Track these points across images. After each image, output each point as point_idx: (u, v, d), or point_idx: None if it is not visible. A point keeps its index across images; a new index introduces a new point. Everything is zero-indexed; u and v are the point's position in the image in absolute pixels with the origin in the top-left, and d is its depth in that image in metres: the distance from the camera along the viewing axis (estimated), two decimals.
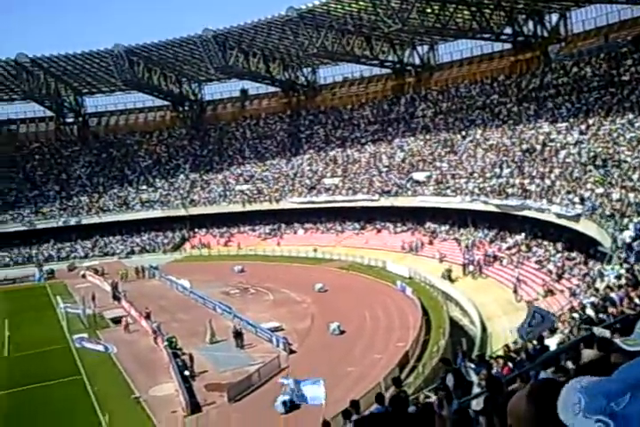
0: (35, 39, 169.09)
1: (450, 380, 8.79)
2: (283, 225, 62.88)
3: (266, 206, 61.90)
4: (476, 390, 8.14)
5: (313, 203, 58.94)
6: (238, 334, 29.87)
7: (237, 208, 63.39)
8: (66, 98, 79.91)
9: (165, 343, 28.77)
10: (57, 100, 78.01)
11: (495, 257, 40.20)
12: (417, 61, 67.35)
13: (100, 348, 29.83)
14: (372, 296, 37.33)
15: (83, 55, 69.37)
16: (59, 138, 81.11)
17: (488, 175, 45.77)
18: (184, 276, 46.66)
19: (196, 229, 66.87)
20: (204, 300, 39.54)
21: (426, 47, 66.83)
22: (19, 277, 56.06)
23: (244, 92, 79.74)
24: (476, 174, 47.10)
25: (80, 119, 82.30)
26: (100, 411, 22.72)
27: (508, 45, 58.62)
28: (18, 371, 29.04)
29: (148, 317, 34.44)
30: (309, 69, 74.90)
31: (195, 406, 22.67)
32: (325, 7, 56.30)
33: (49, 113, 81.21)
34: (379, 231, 55.10)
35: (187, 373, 25.94)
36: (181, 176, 71.85)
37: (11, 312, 42.71)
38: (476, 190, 44.45)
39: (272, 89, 77.20)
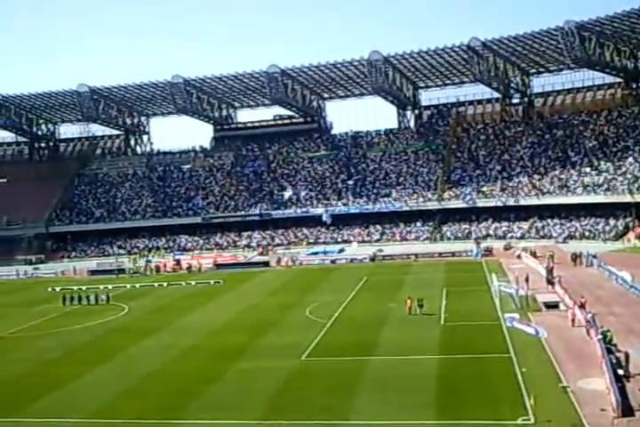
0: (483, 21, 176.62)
1: None
2: None
3: None
4: None
5: None
6: None
7: None
8: (512, 79, 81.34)
9: (599, 337, 26.96)
10: (504, 81, 79.91)
11: None
12: None
13: (531, 330, 29.61)
14: None
15: (532, 35, 69.27)
16: (503, 119, 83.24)
17: None
18: (625, 268, 43.39)
19: None
20: None
21: None
22: (458, 251, 59.73)
23: None
24: None
25: (525, 100, 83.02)
26: (525, 392, 22.53)
27: None
28: (450, 339, 30.84)
29: (582, 306, 32.84)
30: None
31: (626, 409, 20.67)
32: None
33: (495, 95, 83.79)
34: None
35: (620, 371, 23.84)
36: (630, 159, 66.30)
37: (448, 283, 46.02)
38: None
39: None
